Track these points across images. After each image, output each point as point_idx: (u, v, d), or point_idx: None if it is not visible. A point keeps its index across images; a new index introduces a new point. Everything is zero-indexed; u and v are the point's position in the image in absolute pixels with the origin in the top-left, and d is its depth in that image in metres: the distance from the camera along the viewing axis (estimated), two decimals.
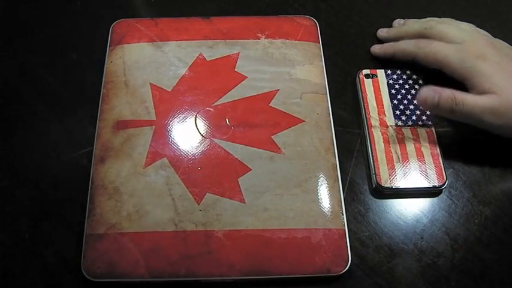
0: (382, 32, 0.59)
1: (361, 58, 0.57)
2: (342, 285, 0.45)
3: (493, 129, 0.50)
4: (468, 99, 0.48)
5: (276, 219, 0.46)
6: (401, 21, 0.59)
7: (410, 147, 0.50)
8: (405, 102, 0.53)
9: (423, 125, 0.52)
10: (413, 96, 0.53)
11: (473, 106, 0.48)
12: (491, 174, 0.51)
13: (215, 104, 0.52)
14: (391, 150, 0.50)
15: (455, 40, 0.51)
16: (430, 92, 0.49)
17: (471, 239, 0.48)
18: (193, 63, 0.54)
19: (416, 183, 0.49)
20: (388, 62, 0.56)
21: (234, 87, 0.52)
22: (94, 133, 0.50)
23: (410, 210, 0.49)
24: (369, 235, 0.48)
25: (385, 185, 0.48)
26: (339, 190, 0.47)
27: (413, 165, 0.49)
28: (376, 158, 0.50)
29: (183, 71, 0.53)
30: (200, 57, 0.54)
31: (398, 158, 0.50)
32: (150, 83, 0.52)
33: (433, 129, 0.51)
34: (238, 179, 0.47)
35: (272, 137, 0.50)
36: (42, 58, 0.57)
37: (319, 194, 0.47)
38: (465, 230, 0.48)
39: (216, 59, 0.54)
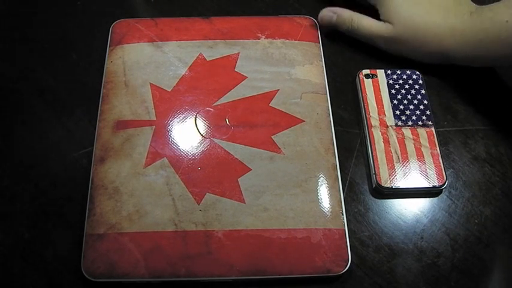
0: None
1: (361, 58, 0.57)
2: (342, 285, 0.45)
3: (392, 53, 0.55)
4: (364, 24, 0.55)
5: (276, 219, 0.46)
6: None
7: (410, 147, 0.50)
8: (405, 102, 0.53)
9: (423, 125, 0.52)
10: (413, 96, 0.53)
11: (368, 31, 0.54)
12: (491, 174, 0.51)
13: (215, 104, 0.52)
14: (391, 150, 0.50)
15: None
16: (328, 13, 0.56)
17: (471, 239, 0.48)
18: (193, 63, 0.54)
19: (416, 183, 0.49)
20: (388, 62, 0.56)
21: (234, 87, 0.52)
22: (94, 133, 0.50)
23: (410, 210, 0.49)
24: (369, 235, 0.48)
25: (385, 185, 0.48)
26: (339, 190, 0.47)
27: (413, 165, 0.49)
28: (376, 158, 0.50)
29: (183, 71, 0.53)
30: (200, 57, 0.54)
31: (398, 158, 0.50)
32: (150, 83, 0.52)
33: (433, 129, 0.51)
34: (238, 179, 0.47)
35: (272, 137, 0.50)
36: (42, 58, 0.57)
37: (319, 194, 0.47)
38: (465, 230, 0.48)
39: (216, 59, 0.54)
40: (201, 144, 0.49)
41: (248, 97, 0.52)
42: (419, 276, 0.46)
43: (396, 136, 0.51)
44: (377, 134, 0.51)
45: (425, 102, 0.53)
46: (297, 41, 0.55)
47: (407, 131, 0.51)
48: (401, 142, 0.50)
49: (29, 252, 0.46)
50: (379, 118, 0.52)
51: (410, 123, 0.52)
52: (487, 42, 0.49)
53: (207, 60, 0.54)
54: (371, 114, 0.52)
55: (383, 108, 0.53)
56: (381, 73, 0.55)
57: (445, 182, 0.49)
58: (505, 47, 0.48)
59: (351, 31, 0.56)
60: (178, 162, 0.48)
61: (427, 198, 0.50)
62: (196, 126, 0.50)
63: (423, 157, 0.50)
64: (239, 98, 0.52)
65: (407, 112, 0.52)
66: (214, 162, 0.48)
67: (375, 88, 0.54)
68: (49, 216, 0.48)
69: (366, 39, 0.56)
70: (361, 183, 0.50)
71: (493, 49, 0.49)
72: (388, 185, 0.48)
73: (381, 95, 0.53)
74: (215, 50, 0.55)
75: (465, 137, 0.53)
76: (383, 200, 0.49)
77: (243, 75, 0.53)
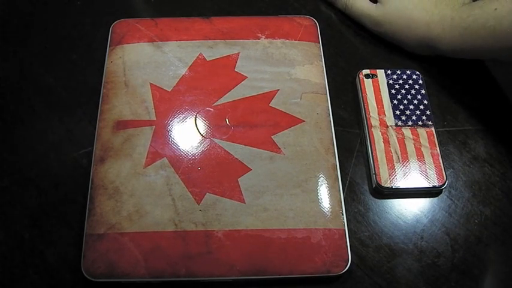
0: None
1: (361, 58, 0.57)
2: (342, 285, 0.45)
3: (381, 36, 0.57)
4: (357, 4, 0.57)
5: (276, 219, 0.46)
6: None
7: (410, 147, 0.50)
8: (405, 102, 0.53)
9: (423, 125, 0.52)
10: (413, 96, 0.53)
11: (360, 11, 0.57)
12: (491, 174, 0.51)
13: (215, 104, 0.52)
14: (391, 150, 0.50)
15: None
16: None
17: (471, 239, 0.48)
18: (193, 63, 0.54)
19: (416, 183, 0.49)
20: (388, 62, 0.57)
21: (234, 87, 0.52)
22: (94, 133, 0.50)
23: (410, 210, 0.49)
24: (369, 235, 0.48)
25: (385, 185, 0.48)
26: (339, 190, 0.47)
27: (413, 165, 0.49)
28: (376, 158, 0.50)
29: (183, 71, 0.53)
30: (200, 57, 0.54)
31: (398, 158, 0.50)
32: (150, 83, 0.52)
33: (433, 129, 0.51)
34: (238, 179, 0.47)
35: (272, 137, 0.50)
36: (42, 58, 0.57)
37: (319, 194, 0.47)
38: (465, 230, 0.48)
39: (216, 59, 0.54)
40: (201, 144, 0.49)
41: (248, 97, 0.52)
42: (419, 276, 0.46)
43: (396, 136, 0.51)
44: (377, 134, 0.51)
45: (425, 102, 0.53)
46: (297, 41, 0.55)
47: (407, 131, 0.51)
48: (401, 142, 0.50)
49: (29, 252, 0.46)
50: (379, 118, 0.52)
51: (410, 123, 0.52)
52: (474, 29, 0.48)
53: (207, 60, 0.54)
54: (371, 114, 0.52)
55: (383, 108, 0.53)
56: (380, 73, 0.55)
57: (445, 182, 0.49)
58: (490, 35, 0.47)
59: (345, 10, 0.59)
60: (178, 162, 0.48)
61: (427, 198, 0.50)
62: (196, 126, 0.50)
63: (423, 157, 0.50)
64: (239, 98, 0.52)
65: (407, 112, 0.52)
66: (214, 162, 0.48)
67: (375, 88, 0.54)
68: (49, 216, 0.48)
69: (357, 20, 0.58)
70: (361, 183, 0.50)
71: (478, 37, 0.48)
72: (388, 185, 0.48)
73: (381, 95, 0.53)
74: (215, 50, 0.55)
75: (465, 137, 0.53)
76: (383, 200, 0.49)
77: (243, 75, 0.53)
